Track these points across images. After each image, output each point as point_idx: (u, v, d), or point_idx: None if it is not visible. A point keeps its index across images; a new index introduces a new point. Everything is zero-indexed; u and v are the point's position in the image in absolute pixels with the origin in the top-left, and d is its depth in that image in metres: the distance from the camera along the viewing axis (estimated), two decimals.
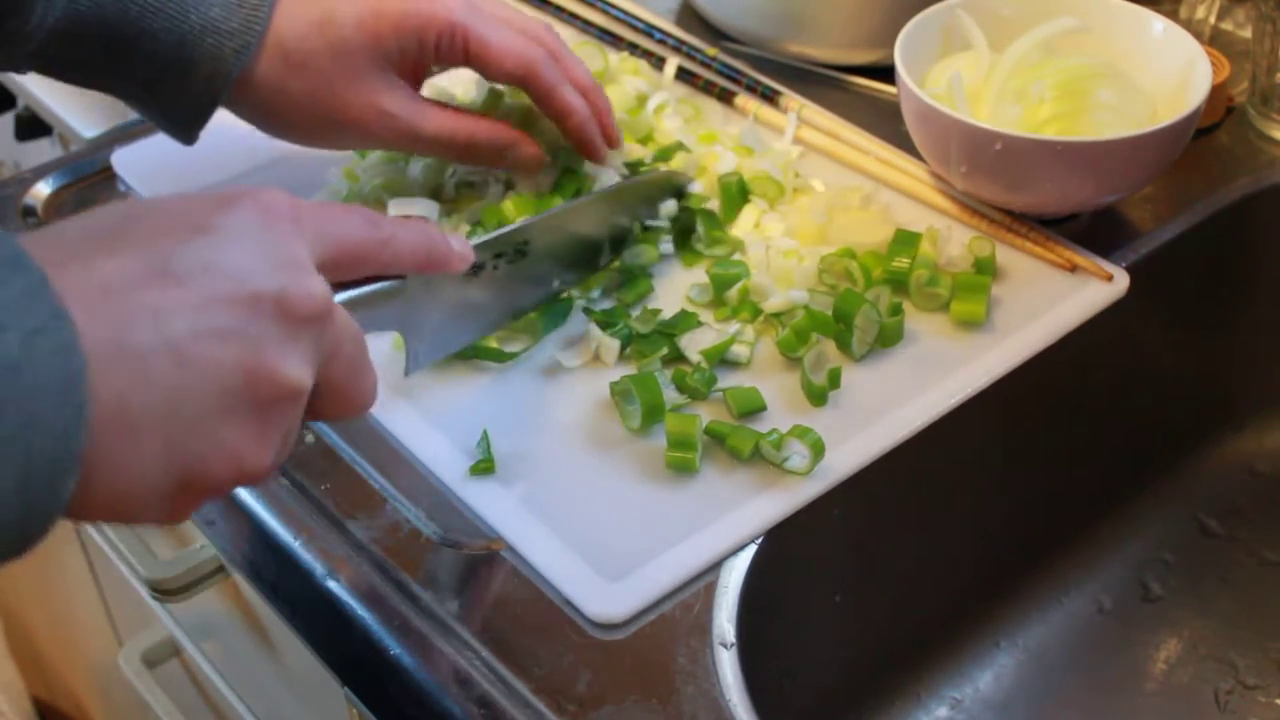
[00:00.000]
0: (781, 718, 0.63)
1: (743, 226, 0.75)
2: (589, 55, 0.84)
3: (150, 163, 0.81)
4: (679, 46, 0.90)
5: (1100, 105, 0.72)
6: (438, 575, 0.59)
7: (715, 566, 0.59)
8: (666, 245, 0.74)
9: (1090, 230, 0.75)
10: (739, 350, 0.67)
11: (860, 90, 0.87)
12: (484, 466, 0.62)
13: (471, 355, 0.67)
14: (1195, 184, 0.80)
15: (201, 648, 0.93)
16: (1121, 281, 0.72)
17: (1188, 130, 0.71)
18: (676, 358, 0.67)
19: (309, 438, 0.65)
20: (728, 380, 0.66)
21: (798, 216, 0.75)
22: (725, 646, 0.56)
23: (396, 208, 0.73)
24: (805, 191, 0.78)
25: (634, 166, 0.77)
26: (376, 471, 0.63)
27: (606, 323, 0.68)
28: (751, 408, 0.64)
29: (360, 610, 0.58)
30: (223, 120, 0.70)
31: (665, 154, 0.78)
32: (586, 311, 0.70)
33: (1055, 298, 0.71)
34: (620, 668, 0.55)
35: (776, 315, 0.69)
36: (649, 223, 0.74)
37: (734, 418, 0.65)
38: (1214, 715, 0.75)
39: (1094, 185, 0.71)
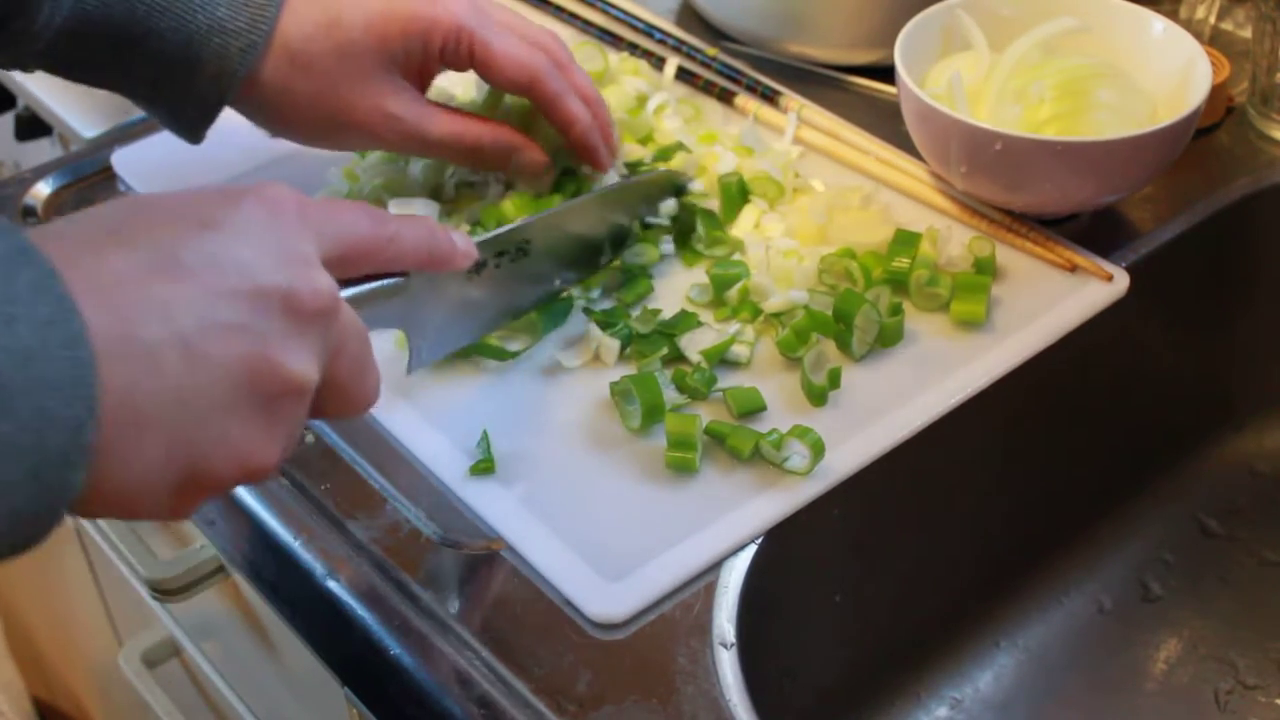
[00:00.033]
0: (781, 718, 0.63)
1: (743, 227, 0.75)
2: (589, 55, 0.84)
3: (150, 163, 0.81)
4: (679, 46, 0.90)
5: (1100, 105, 0.72)
6: (438, 575, 0.59)
7: (715, 566, 0.59)
8: (667, 245, 0.74)
9: (1090, 230, 0.75)
10: (739, 350, 0.67)
11: (860, 90, 0.87)
12: (484, 466, 0.62)
13: (473, 353, 0.67)
14: (1195, 184, 0.80)
15: (201, 648, 0.93)
16: (1121, 281, 0.72)
17: (1188, 130, 0.71)
18: (676, 358, 0.67)
19: (309, 438, 0.65)
20: (728, 380, 0.66)
21: (798, 216, 0.75)
22: (725, 646, 0.56)
23: (396, 208, 0.73)
24: (805, 191, 0.78)
25: (634, 166, 0.77)
26: (376, 471, 0.63)
27: (606, 323, 0.68)
28: (751, 408, 0.64)
29: (360, 610, 0.58)
30: (223, 120, 0.70)
31: (665, 154, 0.78)
32: (586, 311, 0.70)
33: (1055, 298, 0.71)
34: (620, 668, 0.55)
35: (776, 315, 0.69)
36: (649, 220, 0.74)
37: (734, 418, 0.65)
38: (1214, 715, 0.75)
39: (1094, 185, 0.71)
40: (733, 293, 0.70)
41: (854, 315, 0.67)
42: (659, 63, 0.88)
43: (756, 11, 0.88)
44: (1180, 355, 0.84)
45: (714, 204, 0.76)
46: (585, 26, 0.92)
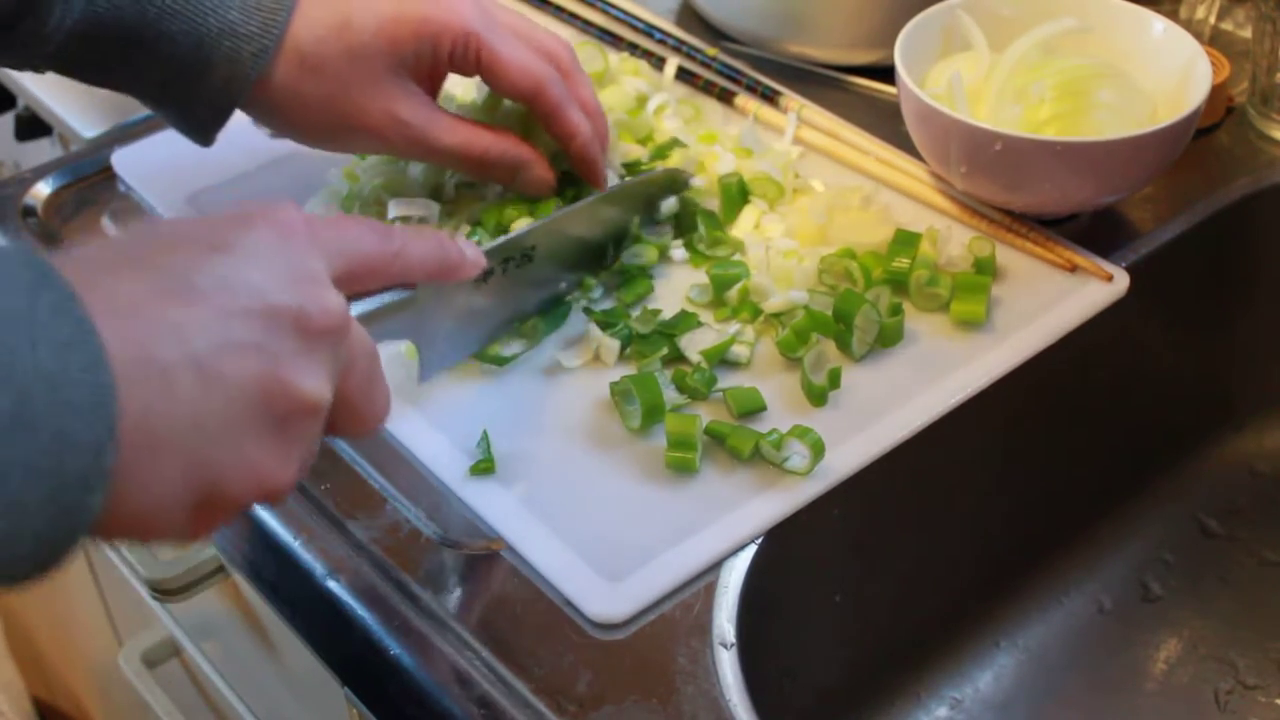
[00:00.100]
0: (781, 718, 0.63)
1: (743, 227, 0.75)
2: (589, 55, 0.84)
3: (150, 163, 0.81)
4: (679, 46, 0.90)
5: (1100, 105, 0.72)
6: (438, 575, 0.59)
7: (715, 566, 0.59)
8: (679, 251, 0.74)
9: (1090, 230, 0.75)
10: (739, 350, 0.67)
11: (860, 90, 0.87)
12: (484, 466, 0.62)
13: (470, 359, 0.67)
14: (1195, 184, 0.80)
15: (201, 648, 0.93)
16: (1121, 281, 0.72)
17: (1188, 130, 0.71)
18: (676, 358, 0.67)
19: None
20: (728, 380, 0.66)
21: (798, 217, 0.75)
22: (725, 646, 0.56)
23: (396, 208, 0.73)
24: (805, 192, 0.78)
25: (633, 167, 0.77)
26: (376, 471, 0.63)
27: (606, 323, 0.68)
28: (751, 408, 0.64)
29: (360, 610, 0.58)
30: None
31: (662, 151, 0.78)
32: (586, 312, 0.70)
33: (1055, 298, 0.71)
34: (620, 668, 0.55)
35: (776, 315, 0.69)
36: (653, 219, 0.74)
37: (734, 418, 0.65)
38: (1214, 715, 0.75)
39: (1094, 185, 0.71)
40: (733, 293, 0.70)
41: (854, 315, 0.67)
42: (659, 63, 0.88)
43: (756, 11, 0.88)
44: (1180, 355, 0.84)
45: (714, 203, 0.76)
46: (585, 26, 0.92)
